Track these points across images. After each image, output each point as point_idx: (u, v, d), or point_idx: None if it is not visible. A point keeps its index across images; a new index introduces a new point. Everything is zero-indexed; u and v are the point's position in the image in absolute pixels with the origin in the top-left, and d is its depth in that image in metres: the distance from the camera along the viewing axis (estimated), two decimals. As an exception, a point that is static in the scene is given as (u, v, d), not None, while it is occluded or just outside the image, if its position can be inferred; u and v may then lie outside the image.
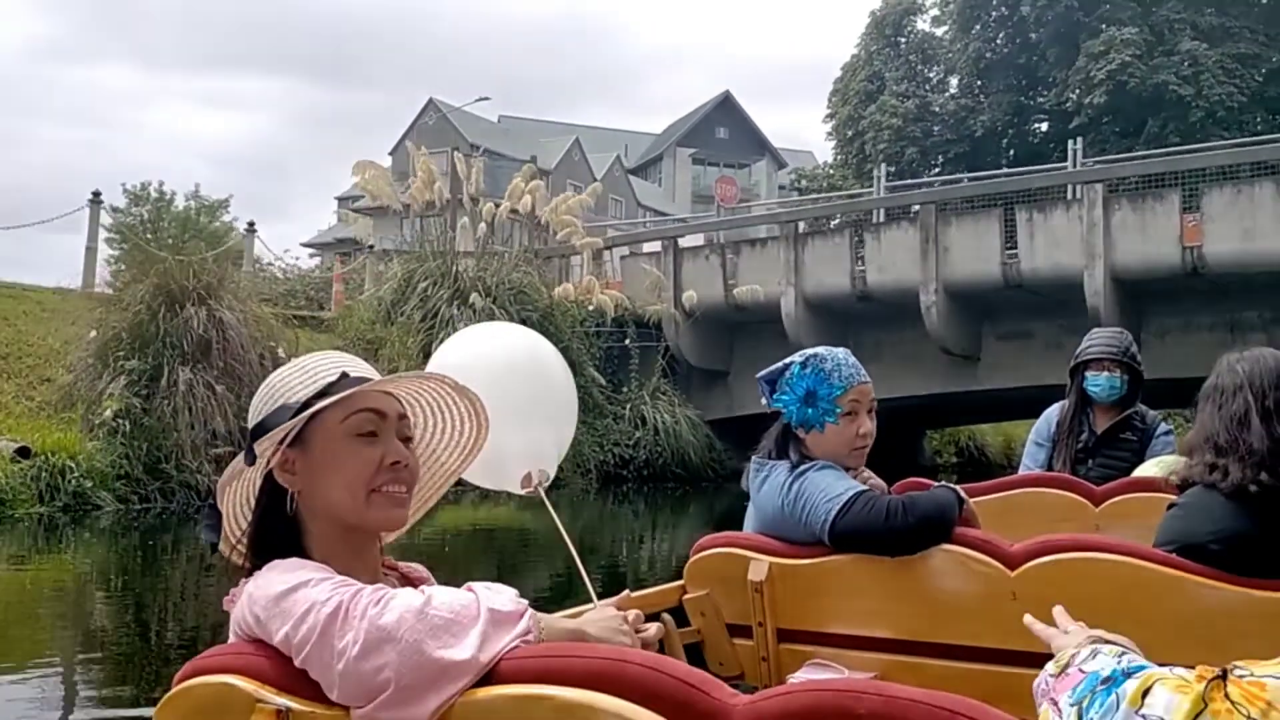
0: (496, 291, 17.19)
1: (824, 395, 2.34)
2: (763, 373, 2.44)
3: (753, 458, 2.48)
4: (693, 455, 17.64)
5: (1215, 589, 2.03)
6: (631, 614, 1.40)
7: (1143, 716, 0.79)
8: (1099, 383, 3.77)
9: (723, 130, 55.98)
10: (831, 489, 2.29)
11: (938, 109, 38.88)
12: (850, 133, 39.43)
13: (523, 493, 2.07)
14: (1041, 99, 36.93)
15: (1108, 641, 0.99)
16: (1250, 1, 34.15)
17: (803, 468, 2.35)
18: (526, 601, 1.25)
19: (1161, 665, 0.85)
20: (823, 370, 2.36)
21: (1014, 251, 16.48)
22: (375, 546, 1.45)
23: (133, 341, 12.44)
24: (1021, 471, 3.91)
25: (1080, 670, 0.91)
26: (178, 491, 11.91)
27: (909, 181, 26.04)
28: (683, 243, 20.57)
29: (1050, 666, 0.92)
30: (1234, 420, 2.13)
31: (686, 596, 2.48)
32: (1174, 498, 2.29)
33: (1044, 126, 38.04)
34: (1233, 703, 0.77)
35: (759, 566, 2.37)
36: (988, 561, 2.21)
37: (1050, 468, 3.83)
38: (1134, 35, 32.60)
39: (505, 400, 2.00)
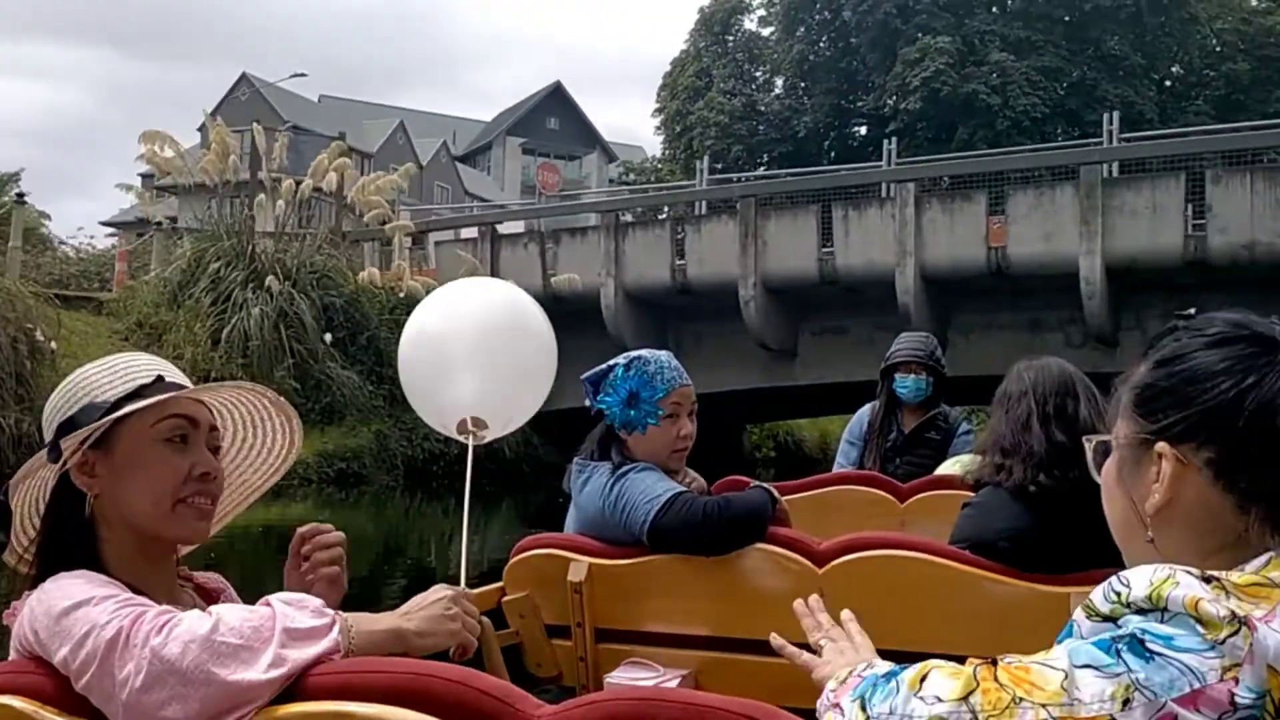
0: (297, 275, 16.59)
1: (646, 397, 2.44)
2: (586, 374, 2.53)
3: (575, 459, 2.57)
4: (507, 451, 17.54)
5: (1004, 584, 2.23)
6: (461, 591, 1.40)
7: (921, 698, 0.88)
8: (906, 384, 4.11)
9: (553, 121, 56.45)
10: (651, 490, 2.39)
11: (763, 108, 40.02)
12: (679, 128, 40.17)
13: (460, 438, 2.07)
14: (861, 103, 38.42)
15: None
16: (1054, 18, 36.49)
17: (624, 469, 2.44)
18: (333, 612, 1.23)
19: (956, 656, 0.95)
20: (645, 373, 2.46)
21: (830, 248, 17.16)
22: (172, 558, 1.43)
23: None
24: (836, 469, 4.23)
25: (859, 676, 1.00)
26: (-93, 490, 10.94)
27: (729, 175, 26.66)
28: (502, 230, 20.44)
29: (831, 682, 1.00)
30: (1018, 424, 2.34)
31: (505, 599, 2.54)
32: (971, 495, 2.50)
33: (863, 130, 39.62)
34: (1000, 684, 0.86)
35: (578, 567, 2.45)
36: (797, 559, 2.36)
37: (862, 465, 4.15)
38: (947, 44, 34.26)
39: (472, 346, 2.02)
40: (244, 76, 43.70)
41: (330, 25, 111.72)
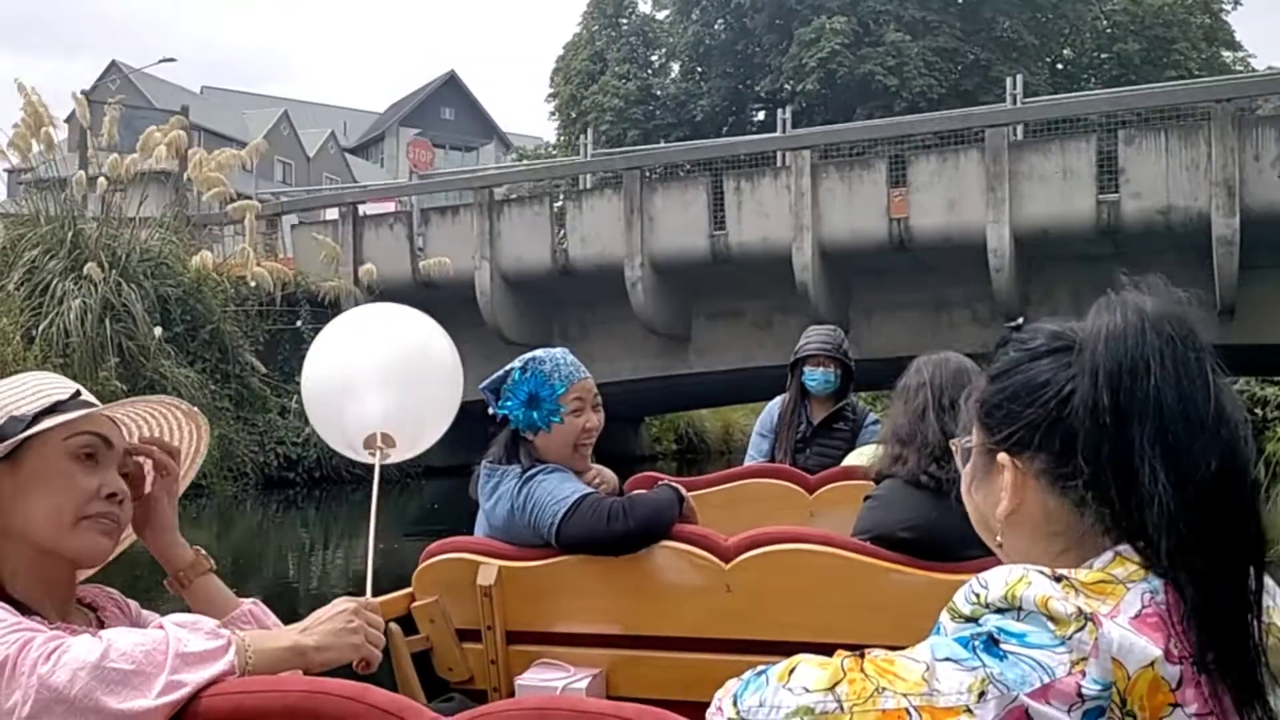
0: (127, 262, 15.37)
1: (546, 396, 2.59)
2: (484, 382, 2.66)
3: (483, 464, 2.71)
4: (376, 453, 16.55)
5: (904, 574, 2.41)
6: (365, 601, 1.45)
7: (789, 689, 0.95)
8: (815, 377, 4.46)
9: (448, 111, 56.86)
10: (559, 492, 2.53)
11: (659, 92, 40.22)
12: (573, 113, 40.05)
13: (366, 456, 2.04)
14: (758, 86, 38.84)
15: None
16: (948, -1, 37.36)
17: (532, 472, 2.58)
18: (228, 632, 1.27)
19: (860, 647, 0.99)
20: (542, 372, 2.61)
21: (722, 226, 16.62)
22: (70, 578, 1.45)
23: None
24: (747, 460, 4.59)
25: (738, 679, 1.04)
26: None
27: (614, 150, 26.03)
28: (369, 211, 19.41)
29: (718, 691, 1.04)
30: (915, 415, 2.52)
31: (415, 604, 2.65)
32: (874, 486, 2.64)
33: (760, 115, 39.98)
34: (866, 675, 0.94)
35: (488, 570, 2.59)
36: (704, 556, 2.52)
37: (773, 457, 4.50)
38: (843, 25, 34.85)
39: (376, 358, 2.05)
40: (114, 64, 41.71)
41: (211, 17, 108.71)
